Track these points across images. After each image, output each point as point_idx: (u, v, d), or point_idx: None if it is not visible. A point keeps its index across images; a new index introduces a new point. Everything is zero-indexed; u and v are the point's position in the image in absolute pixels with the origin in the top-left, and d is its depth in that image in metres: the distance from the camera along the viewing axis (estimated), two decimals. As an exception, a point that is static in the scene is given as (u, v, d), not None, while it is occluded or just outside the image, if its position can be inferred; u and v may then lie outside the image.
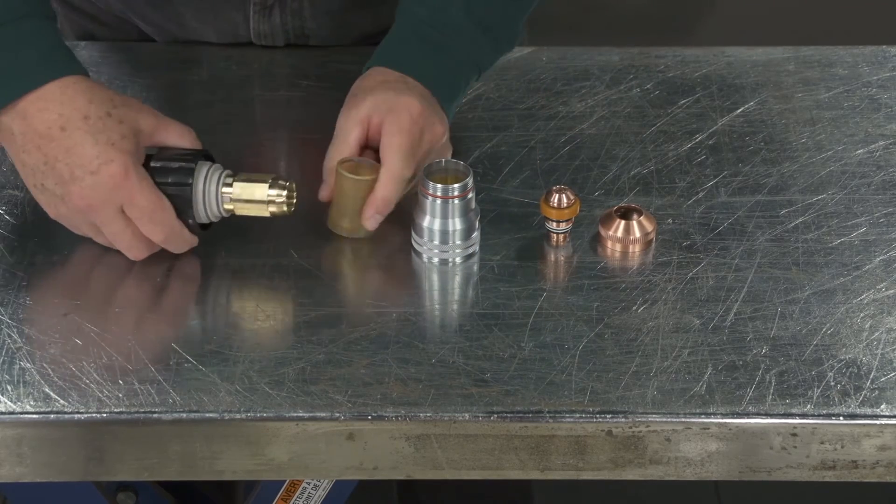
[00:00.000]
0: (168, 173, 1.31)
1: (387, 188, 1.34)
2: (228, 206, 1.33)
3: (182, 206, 1.32)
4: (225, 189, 1.33)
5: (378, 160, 1.35)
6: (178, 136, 1.35)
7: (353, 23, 1.62)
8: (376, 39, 1.46)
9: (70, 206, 1.30)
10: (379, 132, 1.35)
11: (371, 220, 1.35)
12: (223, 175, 1.33)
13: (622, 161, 1.48)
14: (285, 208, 1.33)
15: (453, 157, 1.38)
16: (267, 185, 1.32)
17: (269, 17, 1.59)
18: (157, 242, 1.33)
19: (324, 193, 1.37)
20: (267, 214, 1.33)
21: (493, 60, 1.46)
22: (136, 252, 1.34)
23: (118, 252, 1.35)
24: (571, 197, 1.36)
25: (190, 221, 1.33)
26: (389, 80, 1.39)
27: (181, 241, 1.34)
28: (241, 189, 1.33)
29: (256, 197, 1.33)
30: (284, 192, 1.32)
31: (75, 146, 1.28)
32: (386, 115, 1.35)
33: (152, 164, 1.32)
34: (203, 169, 1.33)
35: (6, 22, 1.30)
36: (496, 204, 1.42)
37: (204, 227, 1.36)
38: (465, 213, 1.35)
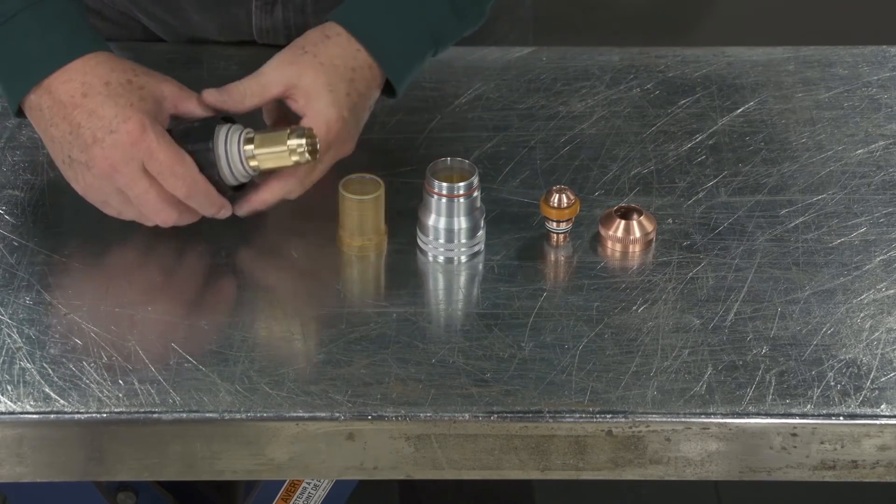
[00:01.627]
0: (189, 135, 1.33)
1: (271, 195, 1.35)
2: (253, 163, 1.33)
3: (207, 166, 1.32)
4: (247, 146, 1.33)
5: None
6: (202, 108, 1.36)
7: None
8: None
9: (95, 171, 1.32)
10: (289, 107, 1.36)
11: (244, 209, 1.36)
12: (243, 133, 1.33)
13: (622, 161, 1.48)
14: (308, 156, 1.31)
15: (456, 156, 1.38)
16: (286, 135, 1.32)
17: (271, 13, 1.59)
18: (182, 198, 1.33)
19: (208, 97, 1.36)
20: (290, 163, 1.32)
21: (454, 39, 1.45)
22: (164, 216, 1.34)
23: (118, 252, 1.35)
24: (571, 197, 1.36)
25: (217, 180, 1.32)
26: (339, 63, 1.37)
27: (207, 198, 1.33)
28: (260, 141, 1.32)
29: (277, 148, 1.32)
30: (304, 140, 1.31)
31: (96, 109, 1.32)
32: (305, 119, 1.35)
33: (172, 130, 1.33)
34: (223, 129, 1.33)
35: (32, 4, 1.33)
36: (496, 204, 1.42)
37: (236, 189, 1.36)
38: (471, 211, 1.35)
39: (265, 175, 1.35)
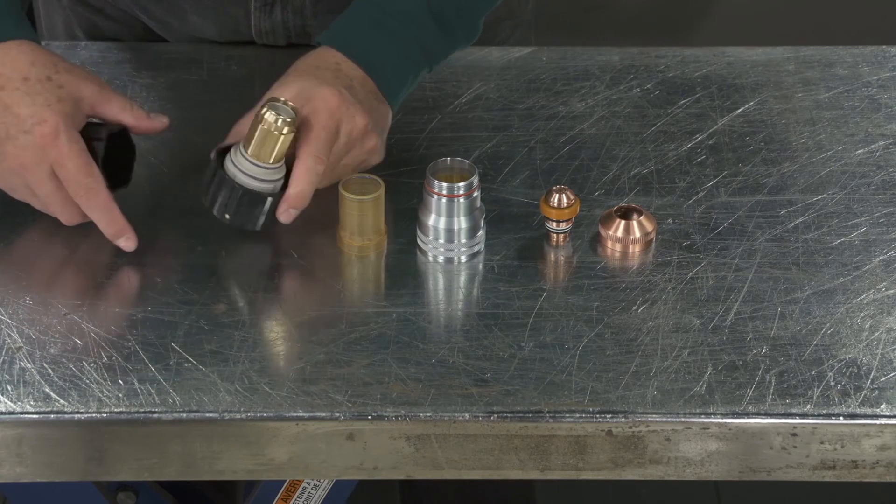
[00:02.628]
0: (220, 185, 1.33)
1: (300, 183, 1.33)
2: (254, 155, 1.32)
3: (252, 199, 1.33)
4: (242, 149, 1.33)
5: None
6: (119, 109, 1.36)
7: None
8: None
9: (5, 165, 1.32)
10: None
11: (284, 214, 1.34)
12: (236, 148, 1.33)
13: (622, 161, 1.48)
14: (291, 113, 1.31)
15: (456, 156, 1.38)
16: (258, 114, 1.31)
17: (270, 14, 1.59)
18: (83, 208, 1.33)
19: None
20: (284, 134, 1.31)
21: (446, 54, 1.45)
22: (67, 217, 1.34)
23: (118, 252, 1.35)
24: (571, 197, 1.36)
25: (255, 196, 1.33)
26: (323, 65, 1.38)
27: (106, 213, 1.33)
28: (247, 136, 1.32)
29: (260, 128, 1.31)
30: (274, 111, 1.31)
31: (12, 105, 1.31)
32: (303, 106, 1.34)
33: (215, 209, 1.34)
34: (219, 161, 1.33)
35: None
36: (496, 204, 1.42)
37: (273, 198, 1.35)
38: (471, 211, 1.35)
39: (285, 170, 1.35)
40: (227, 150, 1.36)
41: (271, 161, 1.32)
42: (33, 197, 1.35)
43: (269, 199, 1.33)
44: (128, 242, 1.34)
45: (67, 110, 1.32)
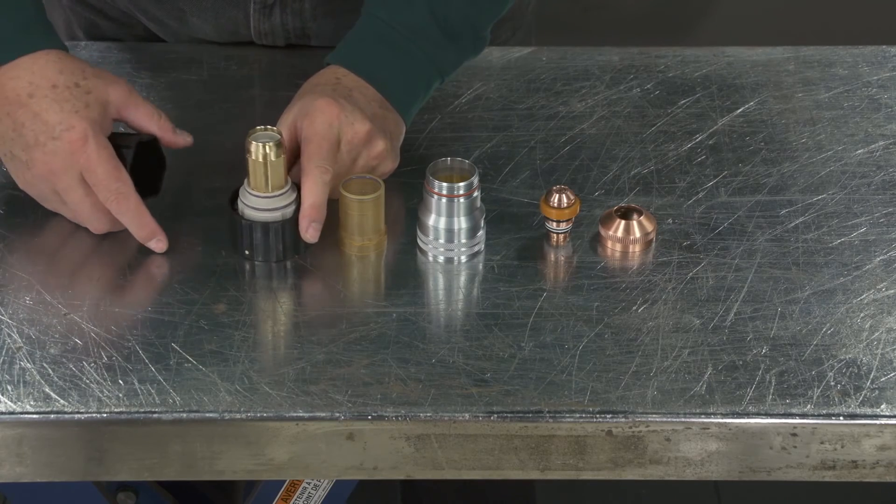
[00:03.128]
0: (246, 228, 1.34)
1: (311, 195, 1.33)
2: (254, 187, 1.33)
3: (264, 230, 1.33)
4: (245, 187, 1.34)
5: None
6: (145, 116, 1.37)
7: (352, 23, 1.62)
8: None
9: (34, 171, 1.33)
10: (299, 135, 1.36)
11: (309, 230, 1.34)
12: (243, 185, 1.35)
13: (622, 161, 1.48)
14: (272, 145, 1.31)
15: (456, 156, 1.38)
16: (247, 149, 1.32)
17: (269, 17, 1.59)
18: (113, 213, 1.34)
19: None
20: (273, 159, 1.31)
21: (456, 64, 1.46)
22: (97, 224, 1.35)
23: (118, 252, 1.35)
24: (571, 197, 1.36)
25: (274, 226, 1.34)
26: (322, 82, 1.39)
27: (137, 218, 1.34)
28: (249, 186, 1.33)
29: (250, 159, 1.32)
30: (256, 141, 1.31)
31: (41, 112, 1.32)
32: (302, 121, 1.35)
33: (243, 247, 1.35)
34: (232, 203, 1.35)
35: None
36: (496, 204, 1.42)
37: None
38: (471, 211, 1.35)
39: (289, 193, 1.35)
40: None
41: (270, 189, 1.33)
42: (63, 205, 1.36)
43: (281, 225, 1.33)
44: (159, 244, 1.35)
45: (95, 116, 1.33)
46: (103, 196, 1.33)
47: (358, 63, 1.41)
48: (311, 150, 1.34)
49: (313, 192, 1.33)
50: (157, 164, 1.40)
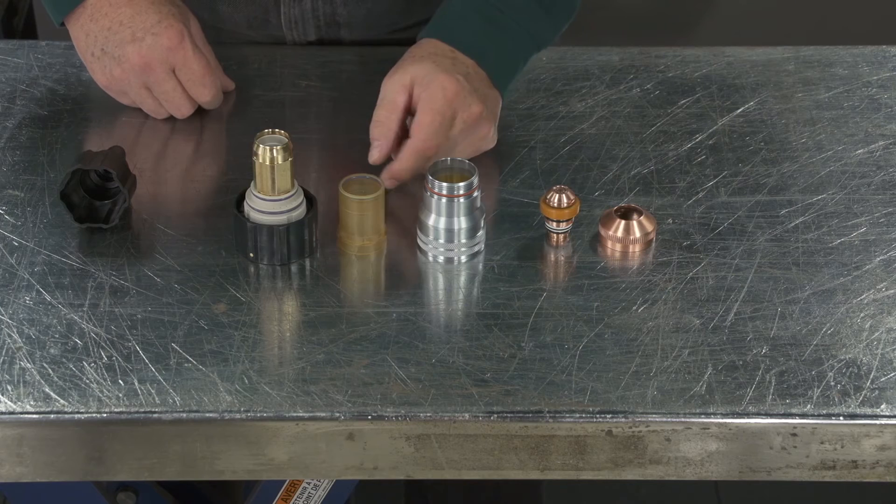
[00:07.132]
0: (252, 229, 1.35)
1: (407, 160, 1.39)
2: (260, 189, 1.33)
3: (269, 233, 1.34)
4: (252, 192, 1.34)
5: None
6: (207, 48, 1.52)
7: (383, 10, 1.62)
8: (405, 33, 1.48)
9: (126, 66, 1.47)
10: (416, 103, 1.40)
11: (388, 181, 1.40)
12: (249, 188, 1.35)
13: (622, 161, 1.48)
14: (278, 150, 1.31)
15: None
16: (255, 151, 1.32)
17: (299, 2, 1.60)
18: (203, 104, 1.50)
19: (373, 156, 1.41)
20: (279, 163, 1.31)
21: (553, 35, 1.50)
22: (183, 111, 1.50)
23: (117, 251, 1.35)
24: (571, 197, 1.36)
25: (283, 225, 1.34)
26: (438, 52, 1.43)
27: (219, 99, 1.52)
28: (256, 189, 1.34)
29: (261, 172, 1.32)
30: (261, 145, 1.32)
31: (140, 13, 1.47)
32: (422, 91, 1.39)
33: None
34: (238, 206, 1.36)
35: None
36: (496, 204, 1.42)
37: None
38: (471, 211, 1.35)
39: (288, 190, 1.34)
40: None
41: (277, 193, 1.33)
42: (147, 98, 1.49)
43: (286, 229, 1.33)
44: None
45: (186, 25, 1.48)
46: (196, 91, 1.49)
47: (460, 39, 1.44)
48: (424, 122, 1.39)
49: (409, 159, 1.39)
50: (116, 198, 1.38)
